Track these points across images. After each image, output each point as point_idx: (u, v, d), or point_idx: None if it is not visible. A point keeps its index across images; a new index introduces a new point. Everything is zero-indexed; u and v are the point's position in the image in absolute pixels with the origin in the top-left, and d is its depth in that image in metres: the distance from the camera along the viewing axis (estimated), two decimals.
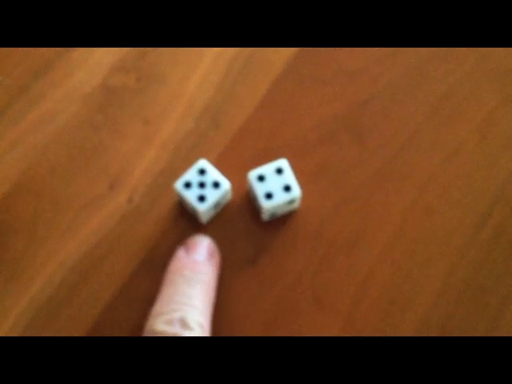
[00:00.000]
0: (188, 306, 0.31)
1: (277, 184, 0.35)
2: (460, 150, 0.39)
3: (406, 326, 0.35)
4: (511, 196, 0.38)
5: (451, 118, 0.40)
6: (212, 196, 0.35)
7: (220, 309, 0.35)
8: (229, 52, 0.41)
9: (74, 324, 0.35)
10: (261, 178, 0.35)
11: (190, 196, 0.35)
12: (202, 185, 0.35)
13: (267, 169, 0.36)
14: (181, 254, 0.34)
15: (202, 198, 0.35)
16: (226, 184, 0.36)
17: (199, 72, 0.41)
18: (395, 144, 0.39)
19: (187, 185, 0.35)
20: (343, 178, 0.38)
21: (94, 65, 0.41)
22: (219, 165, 0.37)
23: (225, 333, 0.34)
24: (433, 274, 0.36)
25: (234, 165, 0.38)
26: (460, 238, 0.37)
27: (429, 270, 0.36)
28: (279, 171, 0.35)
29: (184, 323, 0.30)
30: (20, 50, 0.41)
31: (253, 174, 0.36)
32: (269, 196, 0.35)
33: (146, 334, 0.31)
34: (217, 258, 0.35)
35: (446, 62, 0.41)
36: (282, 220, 0.37)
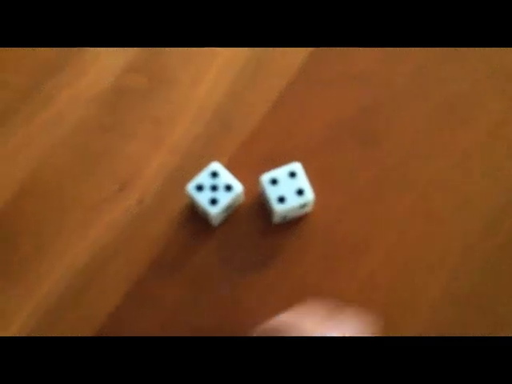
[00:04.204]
0: None
1: (290, 188, 0.35)
2: (466, 157, 0.39)
3: (408, 332, 0.35)
4: None
5: (459, 124, 0.40)
6: (224, 199, 0.35)
7: (229, 309, 0.35)
8: (240, 55, 0.41)
9: (81, 326, 0.35)
10: (274, 182, 0.35)
11: (202, 199, 0.35)
12: (214, 188, 0.35)
13: (280, 172, 0.35)
14: None
15: (214, 201, 0.35)
16: (238, 187, 0.35)
17: (211, 74, 0.41)
18: (405, 148, 0.39)
19: (199, 188, 0.35)
20: (353, 181, 0.38)
21: (104, 66, 0.41)
22: (230, 167, 0.37)
23: (234, 333, 0.34)
24: (435, 280, 0.36)
25: (245, 168, 0.38)
26: (463, 245, 0.37)
27: (431, 276, 0.36)
28: (292, 175, 0.35)
29: None
30: (31, 51, 0.41)
31: (265, 178, 0.35)
32: (281, 200, 0.35)
33: None
34: None
35: (454, 69, 0.41)
36: (292, 223, 0.37)
